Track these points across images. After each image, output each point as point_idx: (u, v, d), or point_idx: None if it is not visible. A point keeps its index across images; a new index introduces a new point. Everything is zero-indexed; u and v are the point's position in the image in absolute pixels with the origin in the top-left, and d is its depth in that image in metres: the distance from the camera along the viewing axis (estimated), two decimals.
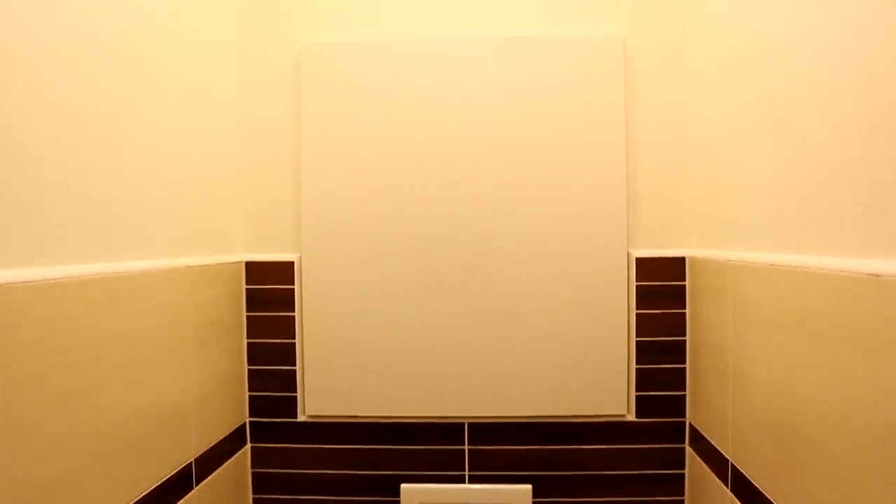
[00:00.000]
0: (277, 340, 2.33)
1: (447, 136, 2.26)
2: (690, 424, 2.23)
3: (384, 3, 2.33)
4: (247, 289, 2.33)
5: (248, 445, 2.35)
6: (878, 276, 1.16)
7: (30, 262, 1.30)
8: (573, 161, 2.24)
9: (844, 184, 1.30)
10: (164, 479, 1.75)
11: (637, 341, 2.26)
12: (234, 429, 2.23)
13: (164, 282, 1.78)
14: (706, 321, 2.05)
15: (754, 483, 1.67)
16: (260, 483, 2.36)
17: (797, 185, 1.48)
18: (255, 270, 2.33)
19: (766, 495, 1.60)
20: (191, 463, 1.91)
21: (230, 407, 2.21)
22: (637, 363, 2.27)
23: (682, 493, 2.28)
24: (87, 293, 1.43)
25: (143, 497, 1.64)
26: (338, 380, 2.32)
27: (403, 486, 2.31)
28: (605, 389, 2.27)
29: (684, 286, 2.24)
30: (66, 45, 1.43)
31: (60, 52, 1.41)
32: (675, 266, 2.24)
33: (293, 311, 2.32)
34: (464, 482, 2.32)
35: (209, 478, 2.03)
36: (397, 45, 2.28)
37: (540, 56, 2.25)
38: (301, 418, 2.34)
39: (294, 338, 2.33)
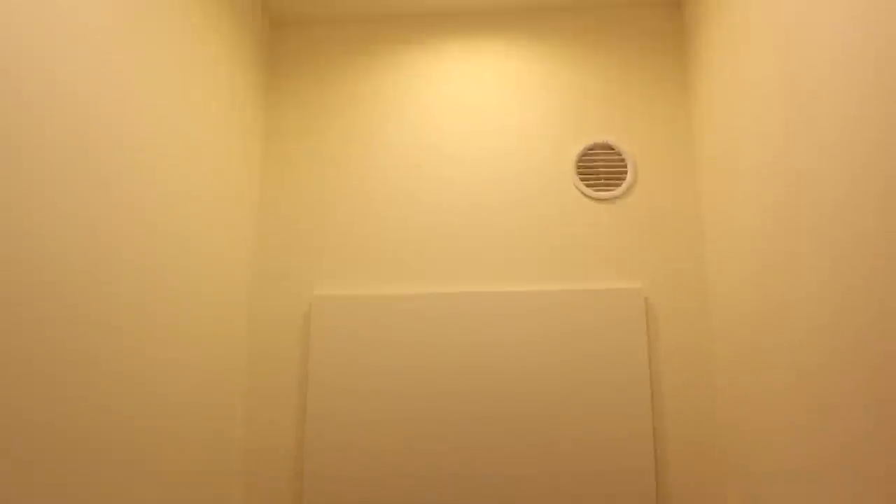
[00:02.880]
0: None
1: (465, 390, 2.14)
2: None
3: (399, 258, 2.31)
4: None
5: None
6: None
7: None
8: (597, 415, 2.10)
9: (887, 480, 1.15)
10: None
11: None
12: None
13: None
14: None
15: None
16: None
17: (833, 464, 1.33)
18: None
19: None
20: None
21: None
22: None
23: None
24: None
25: None
26: None
27: None
28: None
29: None
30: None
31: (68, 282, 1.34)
32: None
33: None
34: None
35: None
36: (412, 299, 2.23)
37: (562, 309, 2.19)
38: None
39: None
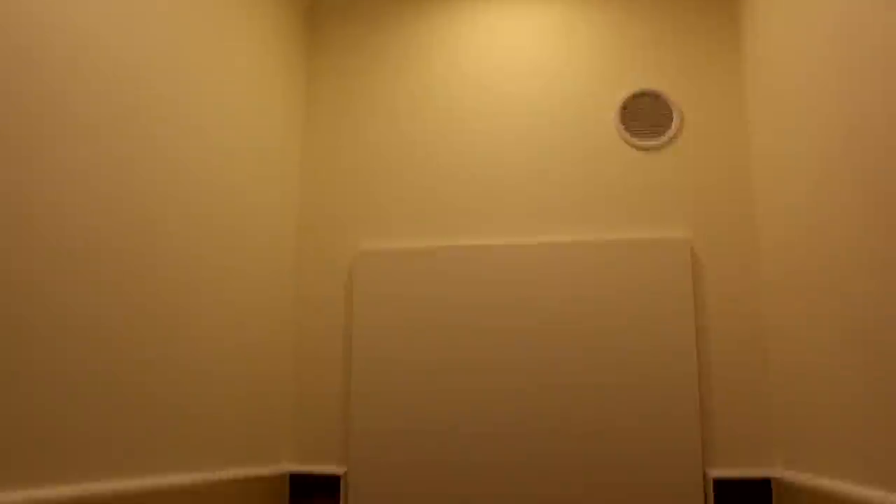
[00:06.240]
0: None
1: (506, 341, 2.16)
2: None
3: (443, 210, 2.32)
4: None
5: None
6: None
7: (57, 478, 1.22)
8: (640, 367, 2.09)
9: None
10: None
11: None
12: None
13: (201, 500, 1.67)
14: None
15: None
16: None
17: (888, 412, 1.31)
18: (300, 484, 2.19)
19: None
20: None
21: None
22: None
23: None
24: None
25: None
26: None
27: None
28: None
29: None
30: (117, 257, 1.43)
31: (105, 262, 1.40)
32: (760, 490, 2.01)
33: None
34: None
35: None
36: (457, 251, 2.24)
37: (604, 259, 2.17)
38: None
39: None
